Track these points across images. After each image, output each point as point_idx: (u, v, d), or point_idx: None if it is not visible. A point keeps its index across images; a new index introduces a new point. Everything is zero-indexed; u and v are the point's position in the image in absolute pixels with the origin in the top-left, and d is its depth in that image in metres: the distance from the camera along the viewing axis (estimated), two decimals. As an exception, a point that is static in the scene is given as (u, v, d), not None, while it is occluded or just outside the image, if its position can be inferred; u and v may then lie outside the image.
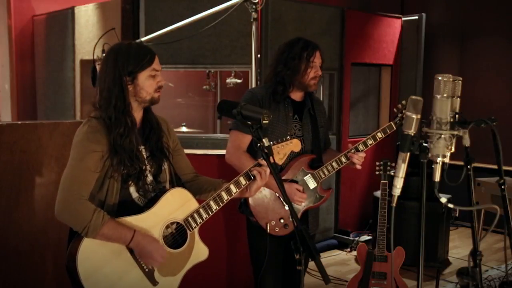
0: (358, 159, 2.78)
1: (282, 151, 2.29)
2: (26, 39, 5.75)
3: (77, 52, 5.29)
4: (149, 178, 2.19)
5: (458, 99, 1.88)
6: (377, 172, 3.66)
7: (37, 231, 3.18)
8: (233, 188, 2.23)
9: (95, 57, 4.11)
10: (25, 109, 5.77)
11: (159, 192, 2.20)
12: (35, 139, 3.14)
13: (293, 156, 2.76)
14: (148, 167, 2.19)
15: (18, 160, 3.09)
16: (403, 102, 2.87)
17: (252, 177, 2.24)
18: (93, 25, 5.08)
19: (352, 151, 2.79)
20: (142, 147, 2.19)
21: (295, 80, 2.78)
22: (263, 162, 2.21)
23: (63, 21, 5.42)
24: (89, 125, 2.09)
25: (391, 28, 5.96)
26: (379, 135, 2.88)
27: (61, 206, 2.01)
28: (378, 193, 3.78)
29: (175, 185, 2.30)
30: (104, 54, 3.99)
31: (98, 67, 4.08)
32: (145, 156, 2.19)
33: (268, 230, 2.71)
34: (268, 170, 2.21)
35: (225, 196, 2.22)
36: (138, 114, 2.19)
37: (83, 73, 5.21)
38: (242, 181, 2.24)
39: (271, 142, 2.28)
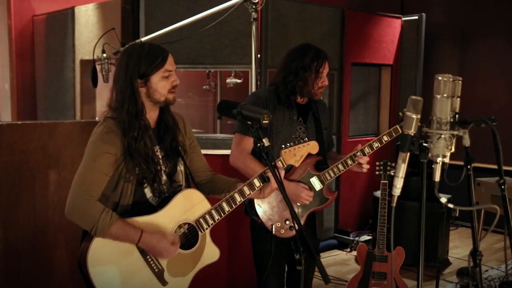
0: (365, 161, 2.78)
1: (299, 153, 2.27)
2: (26, 39, 5.74)
3: (77, 52, 5.29)
4: (164, 178, 2.19)
5: (458, 99, 1.88)
6: (377, 172, 3.66)
7: (37, 231, 3.18)
8: (246, 190, 2.23)
9: (95, 57, 4.10)
10: (25, 109, 5.77)
11: (173, 192, 2.19)
12: (35, 139, 3.13)
13: None
14: (163, 167, 2.18)
15: (18, 160, 3.09)
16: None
17: (266, 179, 2.23)
18: (93, 25, 5.08)
19: (358, 153, 2.79)
20: (157, 147, 2.18)
21: (305, 90, 2.78)
22: (279, 164, 2.21)
23: (63, 21, 5.42)
24: (104, 125, 2.09)
25: (391, 28, 5.96)
26: (385, 138, 2.86)
27: (70, 205, 2.02)
28: (378, 193, 3.78)
29: (191, 185, 2.29)
30: (104, 55, 4.00)
31: (98, 67, 4.08)
32: (160, 157, 2.18)
33: (273, 232, 2.71)
34: (282, 173, 2.21)
35: (238, 198, 2.22)
36: (153, 114, 2.18)
37: (83, 73, 5.20)
38: (256, 183, 2.23)
39: (288, 144, 2.28)
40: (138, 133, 2.07)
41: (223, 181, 2.37)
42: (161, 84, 2.11)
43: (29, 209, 3.15)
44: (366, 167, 2.79)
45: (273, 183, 2.21)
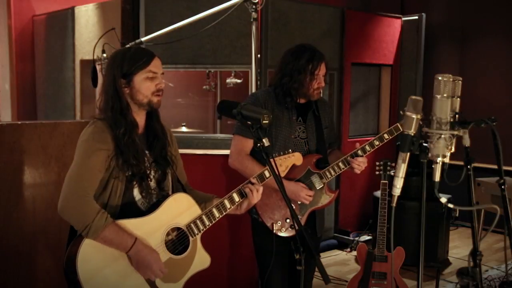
0: (359, 164, 2.77)
1: (284, 163, 2.31)
2: (26, 39, 5.74)
3: (77, 52, 5.29)
4: (153, 184, 2.18)
5: (458, 99, 1.88)
6: (377, 172, 3.66)
7: (37, 231, 3.18)
8: (236, 197, 2.22)
9: (95, 57, 4.10)
10: (25, 109, 5.77)
11: (162, 197, 2.17)
12: (35, 139, 3.14)
13: None
14: (152, 173, 2.17)
15: (18, 160, 3.09)
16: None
17: (244, 194, 2.23)
18: (93, 25, 5.08)
19: (359, 151, 2.79)
20: (146, 152, 2.18)
21: (300, 92, 2.78)
22: (255, 180, 2.23)
23: (63, 21, 5.42)
24: (94, 125, 2.09)
25: (391, 28, 5.97)
26: (386, 136, 2.85)
27: (65, 203, 1.99)
28: (378, 193, 3.78)
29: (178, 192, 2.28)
30: (104, 55, 4.00)
31: (98, 67, 4.08)
32: (150, 161, 2.18)
33: (274, 230, 2.71)
34: (260, 189, 2.22)
35: (228, 205, 2.21)
36: (140, 118, 2.17)
37: (83, 73, 5.20)
38: (236, 197, 2.23)
39: (274, 154, 2.29)
40: (125, 129, 2.07)
41: (200, 196, 2.34)
42: (144, 85, 2.10)
43: (29, 209, 3.15)
44: (356, 167, 2.77)
45: (251, 199, 2.22)
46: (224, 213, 2.21)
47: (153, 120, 2.22)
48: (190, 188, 2.41)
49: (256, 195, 2.21)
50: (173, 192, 2.27)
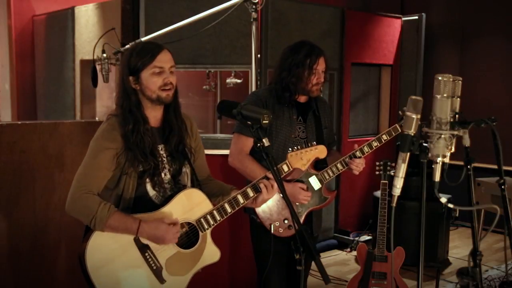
0: (357, 165, 2.76)
1: (306, 156, 2.25)
2: (26, 39, 5.74)
3: (77, 52, 5.29)
4: (167, 176, 2.20)
5: (458, 99, 1.88)
6: (377, 172, 3.65)
7: (37, 231, 3.19)
8: (250, 192, 2.21)
9: (95, 57, 4.10)
10: (25, 109, 5.77)
11: (176, 191, 2.20)
12: (35, 139, 3.14)
13: None
14: (167, 166, 2.20)
15: (18, 160, 3.09)
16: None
17: (259, 189, 2.21)
18: (93, 25, 5.08)
19: (357, 153, 2.78)
20: (161, 146, 2.20)
21: (299, 86, 2.77)
22: (271, 175, 2.18)
23: (63, 21, 5.42)
24: (108, 123, 2.14)
25: (391, 28, 5.97)
26: (384, 137, 2.84)
27: (70, 201, 2.07)
28: (378, 193, 3.78)
29: (195, 186, 2.29)
30: (104, 55, 4.01)
31: (98, 67, 4.08)
32: (164, 155, 2.20)
33: (272, 231, 2.70)
34: (275, 185, 2.18)
35: (241, 200, 2.21)
36: (155, 113, 2.20)
37: (83, 73, 5.20)
38: (250, 193, 2.22)
39: (295, 147, 2.27)
40: (133, 126, 2.10)
41: (218, 187, 2.36)
42: (151, 80, 2.12)
43: (29, 209, 3.15)
44: (355, 169, 2.77)
45: (265, 194, 2.20)
46: (237, 208, 2.21)
47: (170, 114, 2.22)
48: (210, 179, 2.44)
49: (270, 191, 2.20)
50: (193, 185, 2.29)
